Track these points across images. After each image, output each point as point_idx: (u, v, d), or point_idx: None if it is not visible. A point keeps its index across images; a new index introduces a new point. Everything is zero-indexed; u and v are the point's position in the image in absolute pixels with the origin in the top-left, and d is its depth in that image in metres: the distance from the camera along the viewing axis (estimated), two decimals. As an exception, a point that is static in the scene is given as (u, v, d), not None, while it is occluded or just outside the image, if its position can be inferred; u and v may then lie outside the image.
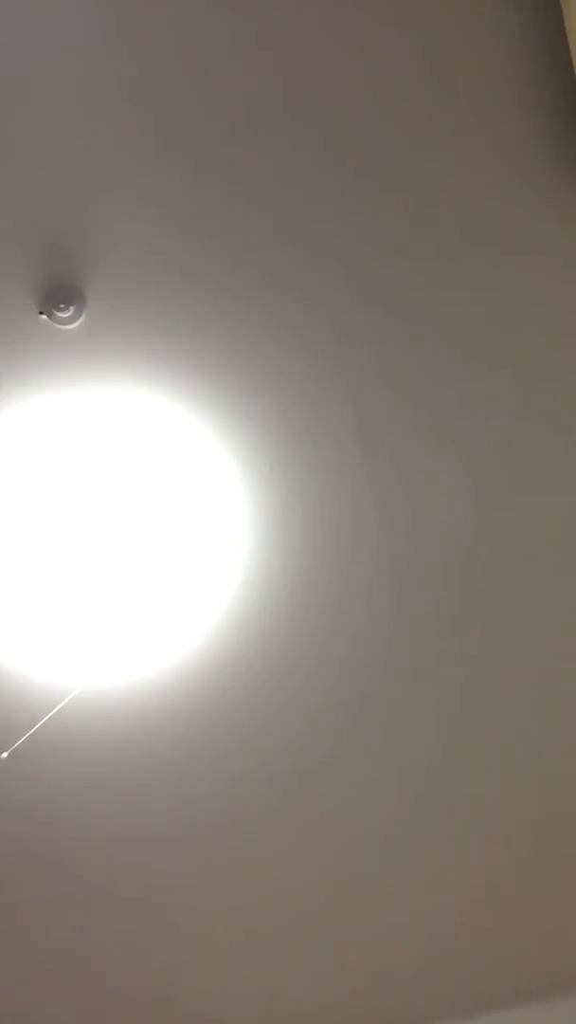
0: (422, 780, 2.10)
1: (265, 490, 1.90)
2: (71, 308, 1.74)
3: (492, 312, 1.87)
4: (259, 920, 2.16)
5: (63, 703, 1.88)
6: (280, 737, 2.04)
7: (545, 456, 1.95)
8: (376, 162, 1.78)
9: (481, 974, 2.25)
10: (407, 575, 1.97)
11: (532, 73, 1.75)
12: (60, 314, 1.74)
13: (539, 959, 2.26)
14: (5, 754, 1.83)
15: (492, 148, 1.79)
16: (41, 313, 1.75)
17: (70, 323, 1.76)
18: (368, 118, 1.76)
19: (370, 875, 2.15)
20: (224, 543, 1.92)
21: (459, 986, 2.25)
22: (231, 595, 1.95)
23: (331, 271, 1.82)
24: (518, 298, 1.87)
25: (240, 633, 1.97)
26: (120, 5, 1.67)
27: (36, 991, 2.16)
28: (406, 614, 1.99)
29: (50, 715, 1.87)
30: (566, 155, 1.79)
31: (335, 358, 1.86)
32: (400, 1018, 2.26)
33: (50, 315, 1.74)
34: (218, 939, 2.16)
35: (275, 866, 2.12)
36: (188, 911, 2.14)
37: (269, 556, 1.93)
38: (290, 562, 1.94)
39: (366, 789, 2.09)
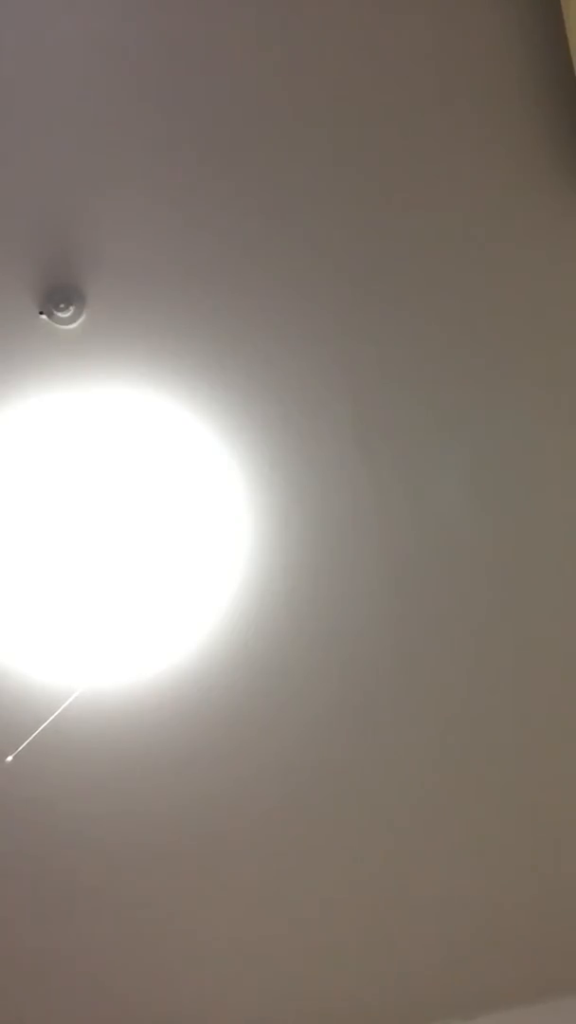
0: (422, 780, 2.10)
1: (265, 490, 1.90)
2: (71, 308, 1.74)
3: (492, 312, 1.87)
4: (259, 920, 2.16)
5: (64, 705, 1.88)
6: (280, 737, 2.04)
7: (545, 455, 1.95)
8: (376, 162, 1.78)
9: (481, 974, 2.25)
10: (407, 575, 1.97)
11: (532, 73, 1.75)
12: (60, 314, 1.74)
13: (539, 959, 2.26)
14: (10, 758, 1.83)
15: (492, 148, 1.79)
16: (41, 313, 1.75)
17: (70, 323, 1.76)
18: (368, 118, 1.76)
19: (370, 875, 2.15)
20: (224, 543, 1.92)
21: (459, 986, 2.25)
22: (231, 595, 1.95)
23: (331, 271, 1.82)
24: (518, 298, 1.87)
25: (240, 633, 1.97)
26: (122, 5, 1.67)
27: (34, 992, 2.16)
28: (406, 614, 1.99)
29: (52, 717, 1.87)
30: (566, 155, 1.79)
31: (335, 358, 1.86)
32: (400, 1018, 2.27)
33: (50, 315, 1.74)
34: (218, 939, 2.16)
35: (275, 865, 2.12)
36: (188, 911, 2.14)
37: (269, 556, 1.93)
38: (290, 562, 1.94)
39: (366, 789, 2.09)
